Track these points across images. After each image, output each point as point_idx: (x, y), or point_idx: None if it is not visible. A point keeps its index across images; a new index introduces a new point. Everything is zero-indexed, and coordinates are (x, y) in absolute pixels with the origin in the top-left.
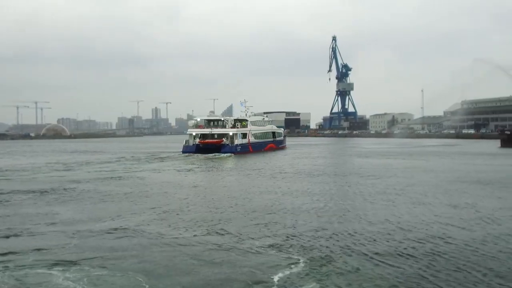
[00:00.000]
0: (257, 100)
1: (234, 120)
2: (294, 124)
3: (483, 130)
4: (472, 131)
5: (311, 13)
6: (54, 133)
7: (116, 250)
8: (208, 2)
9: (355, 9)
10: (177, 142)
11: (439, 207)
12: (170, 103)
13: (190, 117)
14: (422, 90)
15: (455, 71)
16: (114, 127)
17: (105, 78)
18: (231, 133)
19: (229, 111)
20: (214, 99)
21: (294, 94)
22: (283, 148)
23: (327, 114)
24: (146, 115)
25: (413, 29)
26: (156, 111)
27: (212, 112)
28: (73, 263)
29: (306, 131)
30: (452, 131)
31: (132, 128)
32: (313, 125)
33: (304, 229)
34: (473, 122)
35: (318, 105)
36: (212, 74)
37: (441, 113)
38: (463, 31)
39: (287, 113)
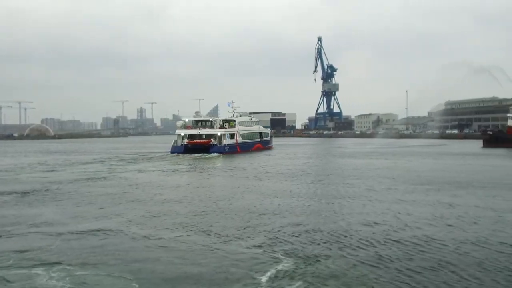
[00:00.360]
0: (243, 100)
1: (223, 120)
2: (279, 125)
3: (466, 131)
4: (455, 131)
5: (293, 13)
6: (38, 133)
7: (100, 250)
8: (192, 1)
9: (336, 10)
10: (163, 143)
11: (419, 207)
12: (156, 103)
13: (175, 117)
14: (406, 91)
15: (437, 71)
16: (99, 127)
17: (88, 78)
18: (219, 134)
19: (214, 111)
20: (199, 99)
21: (280, 95)
22: (269, 148)
23: (313, 115)
24: (131, 115)
25: (394, 29)
26: (141, 111)
27: (198, 112)
28: (56, 263)
29: (292, 131)
30: (436, 132)
31: (117, 128)
32: (298, 126)
33: (290, 229)
34: (456, 123)
35: (303, 105)
36: (197, 74)
37: (425, 114)
38: (444, 32)
39: (273, 113)
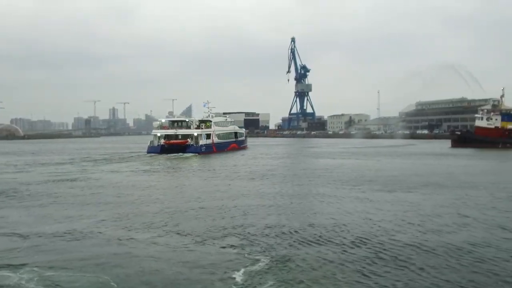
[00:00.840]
0: (216, 101)
1: (199, 121)
2: (253, 125)
3: (436, 131)
4: (425, 131)
5: (265, 13)
6: (7, 134)
7: (71, 252)
8: (161, 1)
9: (308, 10)
10: (135, 143)
11: (384, 205)
12: (128, 103)
13: (148, 118)
14: (378, 91)
15: (407, 72)
16: (70, 127)
17: (59, 77)
18: (195, 134)
19: (188, 111)
20: (173, 99)
21: (254, 95)
22: (244, 148)
23: (286, 115)
24: (103, 115)
25: (365, 30)
26: (113, 111)
27: (171, 112)
28: (24, 265)
29: (265, 131)
30: (407, 132)
31: (88, 128)
32: (272, 126)
33: (261, 228)
34: (427, 123)
35: (277, 106)
36: (170, 74)
37: (397, 114)
38: (413, 33)
39: (247, 114)
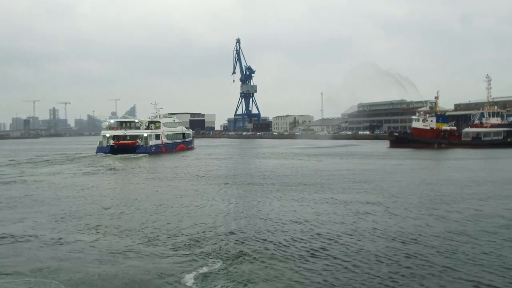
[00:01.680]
0: (160, 101)
1: (148, 121)
2: (199, 125)
3: (377, 132)
4: (367, 132)
5: (208, 15)
6: None
7: (10, 257)
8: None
9: (247, 12)
10: (78, 144)
11: (320, 204)
12: (69, 103)
13: (90, 118)
14: (321, 93)
15: (345, 75)
16: (8, 128)
17: None
18: (145, 135)
19: (132, 111)
20: (116, 100)
21: (199, 96)
22: (191, 148)
23: (232, 116)
24: (44, 115)
25: (306, 32)
26: (54, 111)
27: (114, 113)
28: None
29: (211, 132)
30: (349, 133)
31: (28, 129)
32: (218, 127)
33: (212, 229)
34: (368, 124)
35: (222, 106)
36: (111, 74)
37: (339, 115)
38: (350, 37)
39: (192, 114)
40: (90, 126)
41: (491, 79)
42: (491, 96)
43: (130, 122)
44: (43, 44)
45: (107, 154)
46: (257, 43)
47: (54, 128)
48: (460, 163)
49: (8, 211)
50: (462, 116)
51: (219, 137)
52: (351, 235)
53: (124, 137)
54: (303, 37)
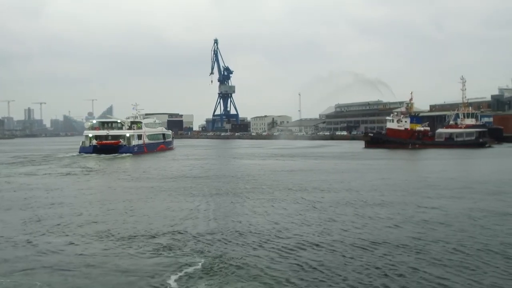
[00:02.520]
0: (137, 101)
1: (131, 122)
2: (177, 126)
3: (354, 132)
4: (344, 133)
5: (179, 13)
6: None
7: None
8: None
9: (223, 12)
10: (54, 144)
11: (291, 205)
12: (45, 103)
13: (66, 119)
14: (299, 94)
15: (322, 76)
16: None
17: None
18: (127, 135)
19: (109, 111)
20: (92, 100)
21: (177, 96)
22: (171, 149)
23: (210, 116)
24: (19, 116)
25: (283, 34)
26: (29, 111)
27: (91, 113)
28: None
29: (189, 133)
30: (327, 133)
31: (2, 130)
32: (196, 127)
33: (191, 230)
34: (345, 125)
35: (201, 107)
36: (85, 73)
37: (317, 116)
38: (327, 39)
39: (170, 115)
40: (66, 127)
41: (465, 81)
42: (465, 97)
43: (112, 122)
44: (15, 43)
45: (90, 154)
46: (232, 43)
47: (30, 128)
48: (431, 162)
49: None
50: (437, 117)
51: (197, 138)
52: (324, 234)
53: (106, 137)
54: (279, 38)
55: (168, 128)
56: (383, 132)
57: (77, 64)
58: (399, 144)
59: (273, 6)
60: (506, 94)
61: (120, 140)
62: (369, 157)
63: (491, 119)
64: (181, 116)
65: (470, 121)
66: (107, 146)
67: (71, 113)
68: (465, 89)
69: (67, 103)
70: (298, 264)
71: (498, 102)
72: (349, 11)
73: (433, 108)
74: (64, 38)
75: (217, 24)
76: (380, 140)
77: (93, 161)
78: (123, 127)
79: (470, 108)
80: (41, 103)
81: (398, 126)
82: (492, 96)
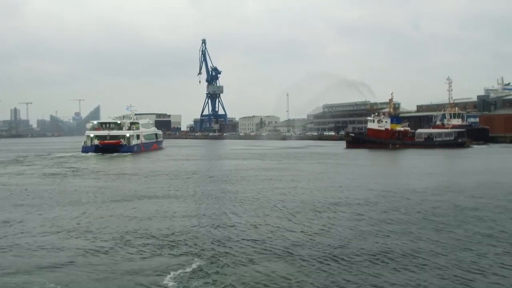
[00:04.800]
0: (122, 101)
1: (130, 123)
2: (165, 126)
3: (342, 132)
4: (332, 133)
5: (158, 13)
6: None
7: None
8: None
9: (201, 14)
10: (41, 144)
11: (278, 204)
12: (31, 103)
13: (53, 119)
14: (287, 94)
15: (307, 77)
16: None
17: None
18: (127, 135)
19: (96, 112)
20: (79, 100)
21: (164, 96)
22: (162, 148)
23: (198, 116)
24: (4, 116)
25: (264, 35)
26: (15, 112)
27: (78, 113)
28: None
29: (177, 133)
30: (315, 133)
31: None
32: (184, 127)
33: (186, 231)
34: (333, 125)
35: (189, 107)
36: (69, 73)
37: (305, 116)
38: (306, 40)
39: (158, 115)
40: (53, 127)
41: (452, 81)
42: (452, 97)
43: (111, 123)
44: None
45: (92, 153)
46: (220, 44)
47: (16, 129)
48: (411, 162)
49: None
50: (424, 117)
51: (186, 138)
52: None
53: (105, 137)
54: (262, 39)
55: (156, 128)
56: (364, 132)
57: (58, 64)
58: (380, 144)
59: (251, 7)
60: (492, 95)
61: (121, 140)
62: (348, 158)
63: (477, 120)
64: (169, 116)
65: (456, 121)
66: (109, 146)
67: (58, 114)
68: (452, 90)
69: (54, 103)
70: (293, 263)
71: (484, 103)
72: (327, 12)
73: (420, 108)
74: (41, 38)
75: (199, 24)
76: (361, 140)
77: (95, 159)
78: (123, 128)
79: (457, 108)
80: (27, 103)
81: (378, 126)
82: (478, 97)
